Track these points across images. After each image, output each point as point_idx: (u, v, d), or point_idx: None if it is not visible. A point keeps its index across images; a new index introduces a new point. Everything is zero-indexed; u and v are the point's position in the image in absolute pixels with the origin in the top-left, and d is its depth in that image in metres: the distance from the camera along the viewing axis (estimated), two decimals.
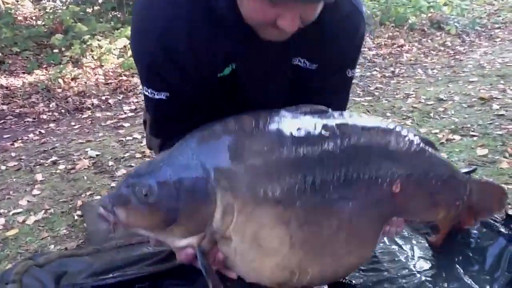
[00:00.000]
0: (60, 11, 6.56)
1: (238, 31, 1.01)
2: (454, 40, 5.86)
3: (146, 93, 1.11)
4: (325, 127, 1.01)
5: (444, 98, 3.70)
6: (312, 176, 0.95)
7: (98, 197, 2.43)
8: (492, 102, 3.51)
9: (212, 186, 0.92)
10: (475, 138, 2.87)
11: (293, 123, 1.00)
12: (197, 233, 0.95)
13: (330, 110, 1.07)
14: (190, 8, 1.01)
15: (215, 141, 0.98)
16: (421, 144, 1.11)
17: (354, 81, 1.24)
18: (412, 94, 3.88)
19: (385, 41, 5.67)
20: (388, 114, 3.42)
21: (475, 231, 1.58)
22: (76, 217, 2.18)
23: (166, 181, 0.92)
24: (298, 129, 0.99)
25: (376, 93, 4.00)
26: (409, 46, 5.65)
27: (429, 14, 6.52)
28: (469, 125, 3.08)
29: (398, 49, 5.50)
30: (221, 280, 0.97)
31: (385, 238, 1.37)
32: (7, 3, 7.88)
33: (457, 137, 2.91)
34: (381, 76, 4.63)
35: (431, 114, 3.36)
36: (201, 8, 1.01)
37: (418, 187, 1.09)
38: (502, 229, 1.57)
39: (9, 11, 6.30)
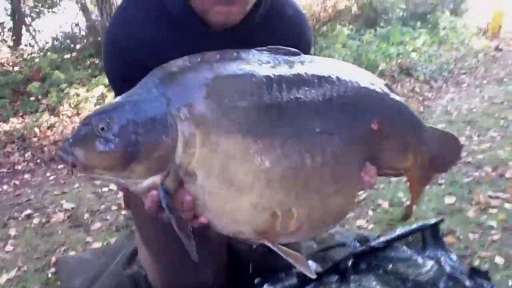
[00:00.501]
0: (37, 59, 6.62)
1: (195, 34, 1.08)
2: (423, 86, 6.09)
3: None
4: (299, 64, 0.99)
5: None
6: (287, 107, 0.91)
7: (73, 252, 2.43)
8: None
9: (172, 117, 0.87)
10: (443, 187, 2.97)
11: (263, 59, 0.98)
12: (159, 170, 0.89)
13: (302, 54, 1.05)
14: (152, 18, 1.10)
15: (177, 73, 0.93)
16: (391, 91, 1.11)
17: None
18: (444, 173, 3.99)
19: None
20: None
21: (442, 284, 1.65)
22: (50, 275, 2.17)
23: (123, 114, 0.88)
24: (269, 63, 0.97)
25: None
26: None
27: (399, 60, 6.79)
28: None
29: None
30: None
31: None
32: None
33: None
34: (408, 180, 4.76)
35: None
36: (161, 14, 1.09)
37: (391, 127, 1.08)
38: (467, 283, 1.65)
39: None
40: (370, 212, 2.69)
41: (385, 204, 2.76)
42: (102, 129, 0.87)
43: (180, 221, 0.90)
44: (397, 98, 1.12)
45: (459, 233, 2.36)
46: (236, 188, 0.89)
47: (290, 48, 1.03)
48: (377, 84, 1.08)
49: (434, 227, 2.16)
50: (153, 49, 1.05)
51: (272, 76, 0.93)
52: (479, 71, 7.34)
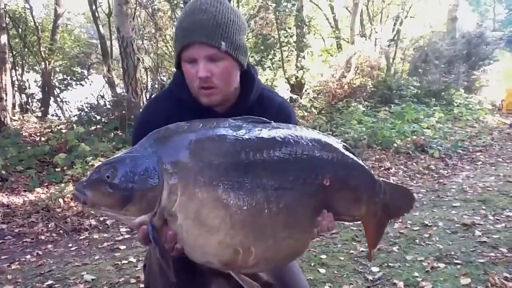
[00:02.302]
0: (64, 130, 6.92)
1: (197, 113, 1.35)
2: (438, 164, 6.17)
3: None
4: (266, 131, 1.22)
5: (429, 224, 3.87)
6: (251, 166, 1.15)
7: None
8: (474, 229, 3.68)
9: (160, 171, 1.12)
10: (458, 266, 2.99)
11: (237, 125, 1.22)
12: (149, 211, 1.13)
13: (272, 122, 1.29)
14: (167, 103, 1.47)
15: (167, 136, 1.19)
16: (345, 151, 1.33)
17: None
18: (398, 219, 4.04)
19: (373, 163, 5.97)
20: None
21: None
22: None
23: (124, 166, 1.13)
24: (240, 130, 1.20)
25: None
26: (395, 169, 5.94)
27: (414, 137, 6.92)
28: (452, 252, 3.21)
29: (385, 171, 5.77)
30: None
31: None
32: (15, 119, 8.32)
33: (441, 265, 3.03)
34: (362, 224, 4.81)
35: (417, 240, 3.50)
36: (174, 101, 1.46)
37: (343, 183, 1.30)
38: None
39: (18, 132, 6.62)
40: None
41: (401, 284, 2.78)
42: (108, 177, 1.13)
43: (163, 251, 1.14)
44: (352, 157, 1.34)
45: None
46: (207, 229, 1.13)
47: (262, 118, 1.28)
48: (333, 146, 1.30)
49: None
50: (168, 123, 1.30)
51: (241, 141, 1.18)
52: (494, 149, 7.41)
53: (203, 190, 1.12)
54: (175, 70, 1.51)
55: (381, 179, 1.44)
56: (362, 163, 1.38)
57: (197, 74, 1.32)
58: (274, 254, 1.21)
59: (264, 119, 1.29)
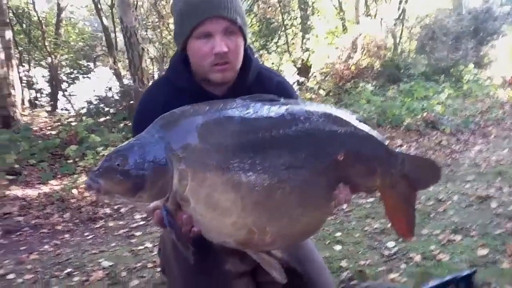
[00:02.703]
0: (74, 123, 6.96)
1: (196, 98, 1.29)
2: (450, 139, 6.12)
3: None
4: (275, 108, 1.19)
5: (443, 199, 3.85)
6: (261, 146, 1.13)
7: None
8: (489, 201, 3.66)
9: (169, 156, 1.11)
10: (475, 238, 2.97)
11: (244, 105, 1.19)
12: (161, 196, 1.13)
13: (281, 99, 1.26)
14: (166, 89, 1.45)
15: (174, 121, 1.18)
16: (357, 123, 1.30)
17: None
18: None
19: None
20: None
21: None
22: None
23: (133, 154, 1.12)
24: (248, 109, 1.17)
25: (378, 195, 4.14)
26: (406, 146, 5.90)
27: (424, 115, 6.86)
28: (468, 225, 3.19)
29: (397, 149, 5.74)
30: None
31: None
32: (25, 115, 8.37)
33: (458, 238, 3.01)
34: (381, 196, 4.80)
35: (432, 215, 3.48)
36: (172, 87, 1.44)
37: (357, 156, 1.26)
38: None
39: (28, 127, 6.67)
40: (403, 266, 2.70)
41: (417, 258, 2.77)
42: (118, 165, 1.12)
43: (179, 234, 1.14)
44: (364, 130, 1.30)
45: (494, 284, 2.35)
46: (219, 212, 1.12)
47: (271, 95, 1.26)
48: (344, 119, 1.27)
49: (468, 279, 2.17)
50: (166, 111, 1.27)
51: (250, 121, 1.16)
52: (506, 123, 7.34)
53: (212, 174, 1.10)
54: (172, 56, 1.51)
55: (398, 150, 1.41)
56: (375, 135, 1.34)
57: (211, 50, 1.29)
58: (290, 232, 1.20)
59: (272, 96, 1.26)
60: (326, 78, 10.66)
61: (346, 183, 1.26)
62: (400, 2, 12.55)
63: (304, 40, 10.41)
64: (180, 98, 1.32)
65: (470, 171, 4.65)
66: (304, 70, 10.88)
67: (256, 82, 1.44)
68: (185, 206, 1.13)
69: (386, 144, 1.39)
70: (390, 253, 2.90)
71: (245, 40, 1.39)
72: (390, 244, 3.03)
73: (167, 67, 1.60)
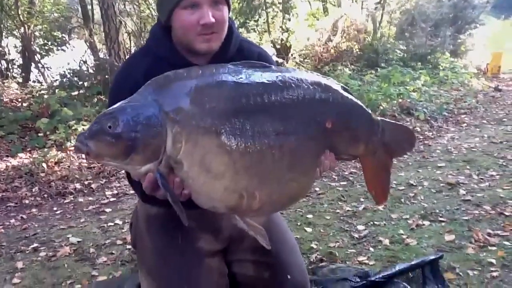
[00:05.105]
0: (46, 95, 6.77)
1: (177, 68, 1.26)
2: (423, 126, 6.18)
3: None
4: (266, 75, 1.20)
5: (414, 184, 3.90)
6: (253, 113, 1.14)
7: (79, 286, 2.47)
8: (458, 188, 3.72)
9: (163, 118, 1.11)
10: (443, 224, 3.03)
11: (236, 71, 1.20)
12: (154, 159, 1.12)
13: (272, 66, 1.28)
14: (146, 59, 1.42)
15: (167, 83, 1.17)
16: (344, 92, 1.33)
17: None
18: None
19: None
20: (362, 199, 3.57)
21: None
22: None
23: (126, 116, 1.11)
24: (241, 74, 1.18)
25: (351, 178, 4.18)
26: None
27: (400, 100, 6.91)
28: (437, 211, 3.24)
29: None
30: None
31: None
32: None
33: (426, 223, 3.06)
34: (355, 161, 4.83)
35: (402, 200, 3.52)
36: (153, 57, 1.41)
37: (343, 124, 1.31)
38: None
39: None
40: (371, 249, 2.74)
41: (386, 241, 2.81)
42: (110, 127, 1.10)
43: (174, 196, 1.14)
44: (350, 98, 1.34)
45: (458, 270, 2.41)
46: (212, 175, 1.13)
47: (262, 62, 1.29)
48: (333, 87, 1.30)
49: (434, 263, 2.20)
50: (147, 80, 1.25)
51: (242, 86, 1.16)
52: (479, 111, 7.45)
53: (206, 137, 1.11)
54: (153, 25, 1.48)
55: (379, 118, 1.44)
56: (360, 103, 1.38)
57: (198, 21, 1.28)
58: (278, 197, 1.22)
59: (263, 63, 1.28)
60: (305, 60, 10.63)
61: (332, 149, 1.30)
62: None
63: (285, 20, 10.31)
64: (161, 67, 1.29)
65: (442, 158, 4.72)
66: (283, 50, 10.82)
67: (237, 53, 1.44)
68: (178, 169, 1.13)
69: (369, 112, 1.42)
70: (360, 236, 2.93)
71: (229, 10, 1.38)
72: (360, 227, 3.06)
73: (145, 40, 1.55)
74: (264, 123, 1.14)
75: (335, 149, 1.31)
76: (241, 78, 1.18)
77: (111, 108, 1.17)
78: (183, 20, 1.31)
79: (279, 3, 10.34)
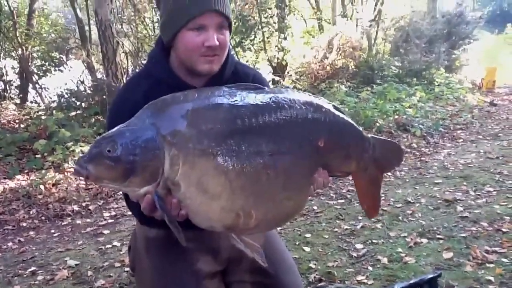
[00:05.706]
0: (43, 116, 6.79)
1: (176, 90, 1.30)
2: (420, 142, 6.21)
3: None
4: (260, 96, 1.24)
5: (412, 201, 3.91)
6: (248, 134, 1.17)
7: None
8: (456, 204, 3.73)
9: (161, 142, 1.13)
10: (441, 241, 3.03)
11: (231, 93, 1.23)
12: (152, 181, 1.15)
13: (266, 88, 1.31)
14: (146, 81, 1.45)
15: (164, 107, 1.19)
16: (335, 111, 1.37)
17: None
18: (381, 197, 4.08)
19: None
20: (360, 218, 3.58)
21: None
22: None
23: (125, 140, 1.13)
24: (235, 97, 1.22)
25: (348, 196, 4.19)
26: None
27: (396, 117, 6.95)
28: (435, 228, 3.25)
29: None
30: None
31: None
32: None
33: (424, 240, 3.06)
34: (353, 179, 4.84)
35: (400, 217, 3.53)
36: (152, 79, 1.44)
37: (335, 142, 1.34)
38: None
39: None
40: (370, 268, 2.74)
41: (384, 260, 2.81)
42: (109, 150, 1.12)
43: (170, 216, 1.16)
44: (342, 117, 1.38)
45: (457, 287, 2.40)
46: (209, 196, 1.15)
47: (256, 84, 1.31)
48: (324, 107, 1.33)
49: (433, 281, 2.20)
50: (147, 101, 1.28)
51: (237, 108, 1.19)
52: (475, 126, 7.49)
53: (203, 159, 1.13)
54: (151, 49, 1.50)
55: (370, 135, 1.48)
56: (351, 122, 1.42)
57: (203, 42, 1.32)
58: (274, 215, 1.26)
59: (257, 85, 1.31)
60: (302, 78, 10.70)
61: (325, 167, 1.33)
62: (376, 4, 12.68)
63: (280, 39, 10.41)
64: (160, 89, 1.33)
65: (439, 174, 4.73)
66: (279, 68, 10.90)
67: (232, 75, 1.48)
68: (175, 190, 1.16)
69: (360, 130, 1.47)
70: (359, 254, 2.93)
71: (230, 35, 1.43)
72: (359, 246, 3.06)
73: (143, 61, 1.59)
74: (258, 144, 1.18)
75: (328, 166, 1.34)
76: (236, 100, 1.21)
77: (110, 132, 1.19)
78: (188, 41, 1.34)
79: (274, 22, 10.44)
